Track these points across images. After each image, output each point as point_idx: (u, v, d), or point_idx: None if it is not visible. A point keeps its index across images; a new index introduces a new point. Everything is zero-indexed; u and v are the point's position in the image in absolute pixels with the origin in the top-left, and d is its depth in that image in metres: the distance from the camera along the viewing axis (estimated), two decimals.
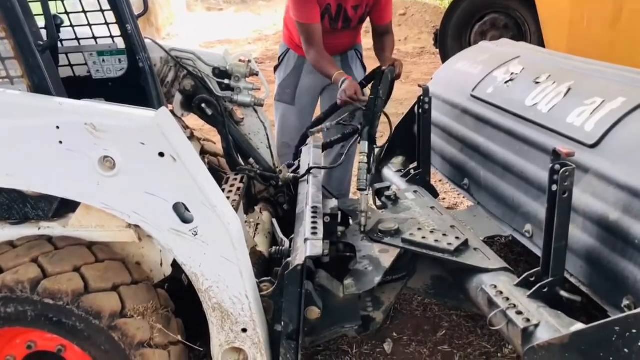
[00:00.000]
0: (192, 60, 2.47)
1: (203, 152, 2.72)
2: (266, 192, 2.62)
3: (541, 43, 4.91)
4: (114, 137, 1.50)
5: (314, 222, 1.83)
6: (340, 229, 2.18)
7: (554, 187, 1.63)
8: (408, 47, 8.56)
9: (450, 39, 5.81)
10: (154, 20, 10.65)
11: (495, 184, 2.29)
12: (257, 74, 2.48)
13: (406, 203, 2.44)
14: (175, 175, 1.53)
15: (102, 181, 1.54)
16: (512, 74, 2.47)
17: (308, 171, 2.35)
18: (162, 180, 1.54)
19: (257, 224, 2.43)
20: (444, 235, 2.07)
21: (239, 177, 2.34)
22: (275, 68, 3.19)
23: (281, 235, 2.01)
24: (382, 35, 2.89)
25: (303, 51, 2.95)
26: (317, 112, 3.23)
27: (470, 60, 2.88)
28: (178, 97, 2.50)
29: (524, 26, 5.44)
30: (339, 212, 2.11)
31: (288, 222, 2.37)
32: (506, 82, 2.44)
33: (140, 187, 1.55)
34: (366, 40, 3.12)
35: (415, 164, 2.83)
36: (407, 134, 2.85)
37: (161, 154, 1.51)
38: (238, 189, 2.22)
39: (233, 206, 2.04)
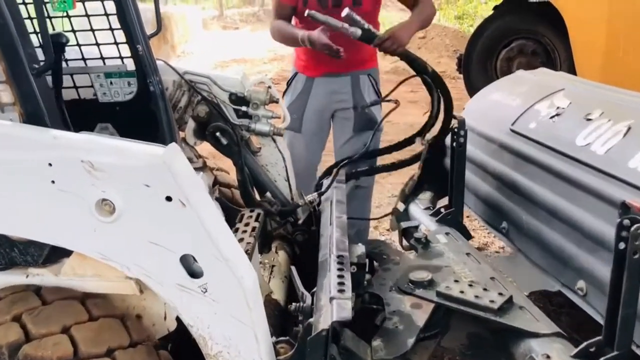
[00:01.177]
0: (207, 84, 2.27)
1: (216, 184, 2.51)
2: (283, 229, 2.39)
3: (572, 71, 4.69)
4: (114, 178, 1.29)
5: (340, 277, 1.60)
6: (366, 276, 1.95)
7: (622, 245, 1.40)
8: None
9: (475, 64, 5.61)
10: (169, 38, 10.58)
11: (539, 230, 2.06)
12: (277, 101, 2.28)
13: (438, 247, 2.21)
14: (184, 223, 1.31)
15: (99, 227, 1.33)
16: (557, 108, 2.24)
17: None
18: (169, 229, 1.32)
19: (273, 266, 2.20)
20: (485, 289, 1.83)
21: (254, 214, 2.12)
22: (283, 94, 2.98)
23: (301, 288, 1.78)
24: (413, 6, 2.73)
25: (311, 72, 2.76)
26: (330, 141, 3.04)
27: (507, 90, 2.66)
28: (191, 124, 2.30)
29: (553, 53, 5.22)
30: (367, 259, 1.89)
31: (306, 261, 2.16)
32: (552, 117, 2.21)
33: (143, 235, 1.33)
34: (384, 63, 2.91)
35: (444, 200, 2.62)
36: (437, 168, 2.63)
37: (168, 198, 1.29)
38: (253, 229, 2.00)
39: (247, 251, 1.82)
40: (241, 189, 2.27)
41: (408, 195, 2.74)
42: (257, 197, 2.37)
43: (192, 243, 1.33)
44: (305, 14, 2.35)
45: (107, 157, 1.30)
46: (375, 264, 2.10)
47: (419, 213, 2.61)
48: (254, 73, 9.11)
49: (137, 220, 1.32)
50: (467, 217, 3.48)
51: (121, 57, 2.21)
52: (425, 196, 2.73)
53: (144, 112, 2.17)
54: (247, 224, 2.03)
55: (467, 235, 2.46)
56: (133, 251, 1.35)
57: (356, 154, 2.54)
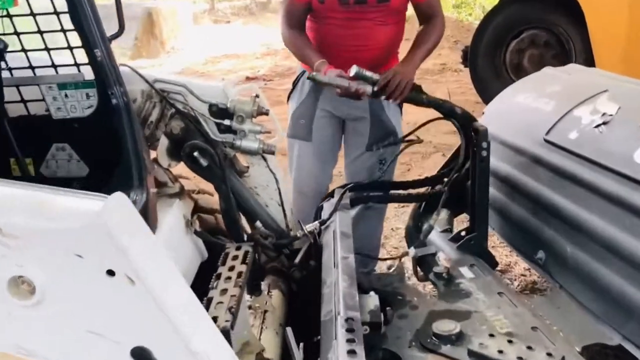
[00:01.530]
0: (183, 94, 1.90)
1: (197, 210, 2.13)
2: (277, 262, 2.02)
3: (590, 63, 4.30)
4: (33, 246, 0.92)
5: (351, 353, 1.23)
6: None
7: None
8: (428, 64, 7.95)
9: (482, 57, 5.21)
10: (158, 34, 10.15)
11: (589, 266, 1.69)
12: (266, 113, 1.90)
13: (464, 285, 1.84)
14: (134, 305, 0.94)
15: (15, 313, 0.95)
16: (603, 114, 1.87)
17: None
18: (113, 314, 0.95)
19: (265, 311, 1.83)
20: (529, 348, 1.47)
21: (241, 253, 1.74)
22: (288, 97, 2.60)
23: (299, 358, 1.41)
24: (423, 21, 2.39)
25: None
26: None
27: (535, 92, 2.28)
28: (164, 141, 1.92)
29: (568, 44, 4.82)
30: (382, 315, 1.52)
31: (305, 302, 1.80)
32: (597, 126, 1.84)
33: (78, 323, 0.96)
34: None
35: (455, 217, 2.27)
36: (453, 183, 2.26)
37: (110, 272, 0.92)
38: (239, 274, 1.62)
39: (231, 308, 1.44)
40: (226, 220, 1.89)
41: (421, 215, 2.37)
42: (247, 225, 2.00)
43: (146, 332, 0.96)
44: (307, 77, 2.17)
45: (21, 217, 0.92)
46: (389, 309, 1.73)
47: (436, 237, 2.24)
48: (246, 69, 8.70)
49: (68, 303, 0.95)
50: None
51: (77, 65, 1.83)
52: (443, 216, 2.35)
53: (106, 129, 1.79)
54: (231, 268, 1.65)
55: (493, 263, 2.09)
56: (64, 344, 0.97)
57: (367, 177, 2.21)
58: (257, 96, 1.88)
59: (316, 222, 1.95)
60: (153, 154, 1.94)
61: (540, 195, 1.94)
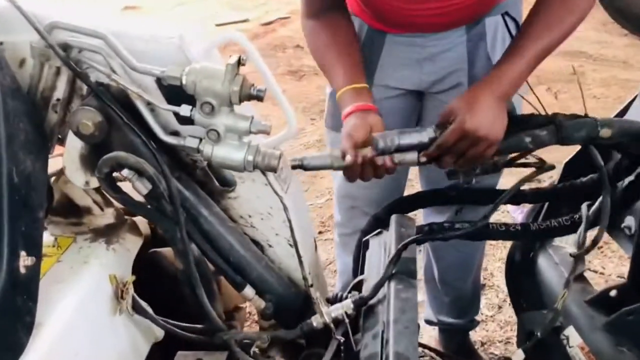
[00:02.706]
0: (104, 54, 0.98)
1: (154, 244, 1.27)
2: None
3: None
4: None
5: None
6: None
7: None
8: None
9: None
10: None
11: None
12: (259, 97, 0.96)
13: None
14: None
15: None
16: None
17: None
18: None
19: None
20: None
21: None
22: None
23: None
24: None
25: (380, 24, 1.44)
26: None
27: None
28: (75, 143, 1.03)
29: None
30: None
31: None
32: None
33: None
34: None
35: None
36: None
37: None
38: None
39: None
40: (190, 296, 1.03)
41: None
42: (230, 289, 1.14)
43: None
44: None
45: None
46: None
47: (556, 277, 1.34)
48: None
49: None
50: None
51: None
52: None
53: None
54: None
55: None
56: None
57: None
58: (240, 61, 0.94)
59: (348, 301, 1.07)
60: (59, 164, 1.07)
61: None
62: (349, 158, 1.12)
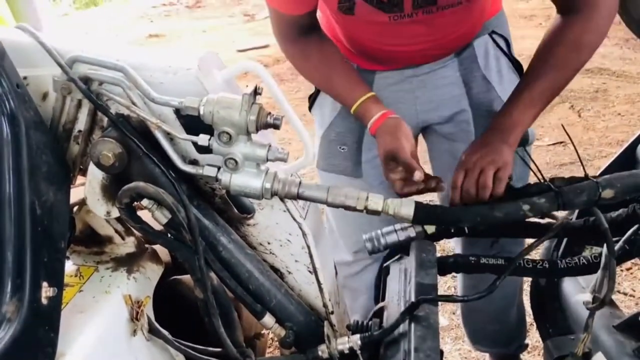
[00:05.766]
0: (123, 86, 1.00)
1: (175, 271, 1.27)
2: None
3: None
4: None
5: None
6: None
7: None
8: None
9: None
10: None
11: None
12: (276, 126, 0.97)
13: None
14: None
15: None
16: None
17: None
18: None
19: None
20: None
21: None
22: (311, 100, 1.60)
23: None
24: (564, 13, 1.25)
25: (368, 62, 1.45)
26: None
27: None
28: (96, 173, 1.05)
29: None
30: None
31: None
32: None
33: None
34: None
35: None
36: None
37: None
38: None
39: None
40: (209, 324, 1.03)
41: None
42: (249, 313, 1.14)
43: None
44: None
45: None
46: None
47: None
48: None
49: None
50: None
51: None
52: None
53: None
54: None
55: None
56: None
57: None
58: (257, 90, 0.96)
59: (356, 337, 1.05)
60: (81, 195, 1.09)
61: None
62: (418, 174, 1.13)
